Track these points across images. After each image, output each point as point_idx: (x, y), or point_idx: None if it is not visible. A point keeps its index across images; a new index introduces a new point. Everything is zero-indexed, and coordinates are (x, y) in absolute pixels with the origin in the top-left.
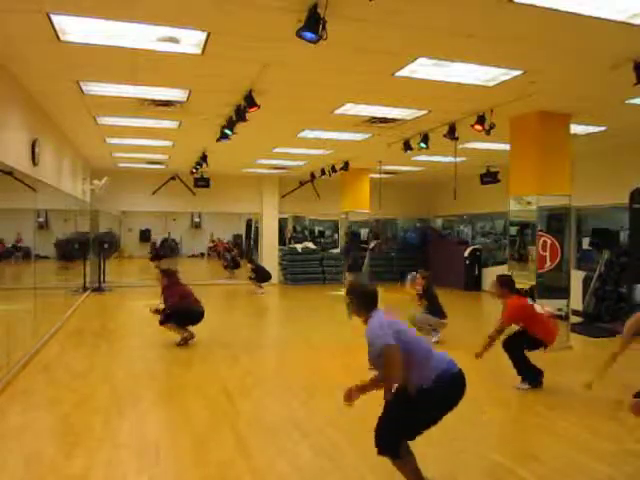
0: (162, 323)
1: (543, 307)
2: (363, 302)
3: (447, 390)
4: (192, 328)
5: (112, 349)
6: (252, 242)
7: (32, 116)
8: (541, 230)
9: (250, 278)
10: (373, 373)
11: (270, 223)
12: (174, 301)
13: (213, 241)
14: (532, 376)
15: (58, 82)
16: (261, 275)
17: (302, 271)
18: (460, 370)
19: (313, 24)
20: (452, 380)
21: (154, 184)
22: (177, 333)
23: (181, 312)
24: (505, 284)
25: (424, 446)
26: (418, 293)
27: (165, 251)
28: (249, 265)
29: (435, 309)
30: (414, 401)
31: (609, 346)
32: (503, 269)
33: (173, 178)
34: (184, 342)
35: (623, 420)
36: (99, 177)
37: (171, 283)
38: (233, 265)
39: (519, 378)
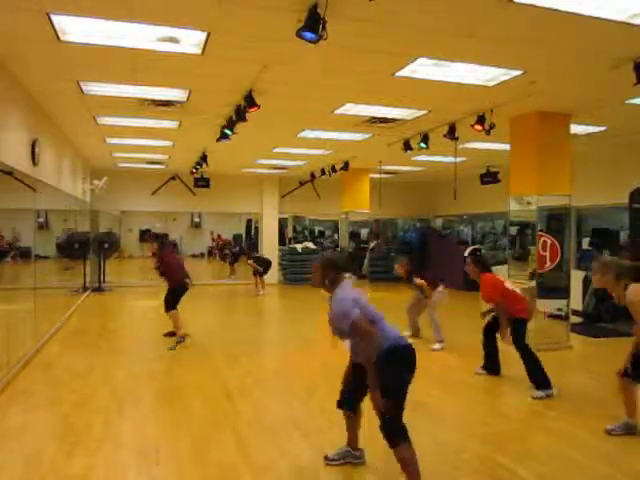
0: (168, 310)
1: (512, 284)
2: (334, 273)
3: (402, 355)
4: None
5: (112, 349)
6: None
7: (32, 116)
8: (541, 230)
9: (258, 273)
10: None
11: (270, 223)
12: (174, 276)
13: (214, 239)
14: (547, 381)
15: (58, 82)
16: (266, 264)
17: (302, 271)
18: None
19: (313, 24)
20: (404, 348)
21: (154, 184)
22: (175, 327)
23: (181, 286)
24: (476, 262)
25: (425, 446)
26: (402, 277)
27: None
28: (250, 262)
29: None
30: (384, 368)
31: (609, 346)
32: (503, 269)
33: (173, 178)
34: (180, 341)
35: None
36: (99, 177)
37: (166, 253)
38: (233, 259)
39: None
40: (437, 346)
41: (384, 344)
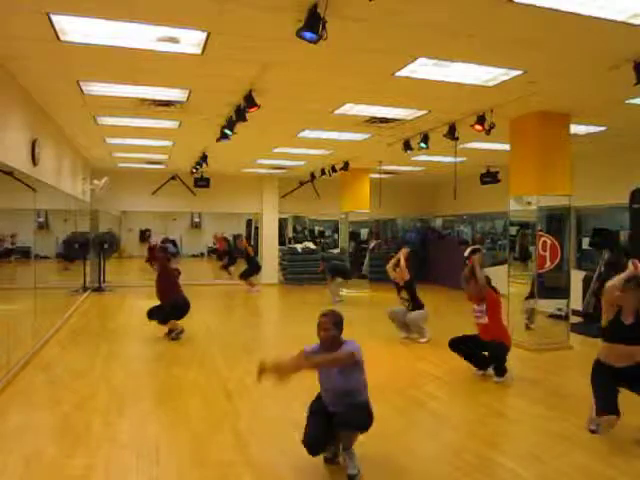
0: (164, 323)
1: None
2: (340, 331)
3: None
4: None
5: (112, 349)
6: (252, 242)
7: (32, 116)
8: (541, 230)
9: (245, 274)
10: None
11: (270, 223)
12: (172, 295)
13: (214, 243)
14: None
15: (58, 82)
16: (257, 267)
17: (302, 271)
18: None
19: (313, 24)
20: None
21: (154, 184)
22: (173, 326)
23: (179, 306)
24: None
25: (426, 446)
26: (398, 282)
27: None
28: (250, 248)
29: (416, 301)
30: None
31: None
32: (503, 269)
33: (173, 178)
34: (174, 337)
35: (624, 420)
36: (99, 177)
37: (167, 267)
38: (229, 261)
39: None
40: (423, 340)
41: (364, 395)
